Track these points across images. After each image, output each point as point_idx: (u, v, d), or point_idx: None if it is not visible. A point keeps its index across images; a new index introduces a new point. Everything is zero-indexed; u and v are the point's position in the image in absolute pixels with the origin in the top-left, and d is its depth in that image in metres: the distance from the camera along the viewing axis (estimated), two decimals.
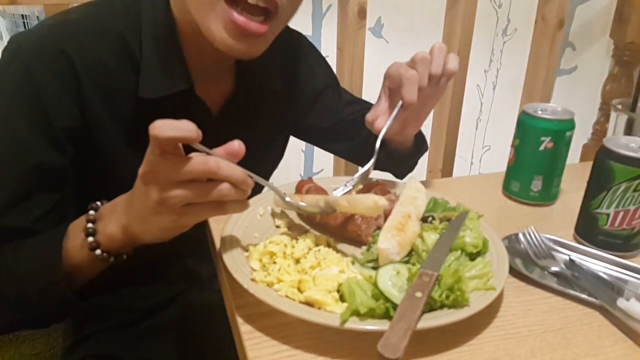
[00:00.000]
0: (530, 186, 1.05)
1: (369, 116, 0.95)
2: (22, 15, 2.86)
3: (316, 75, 1.15)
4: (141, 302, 1.06)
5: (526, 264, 0.86)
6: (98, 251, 0.71)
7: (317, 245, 0.80)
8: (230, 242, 0.81)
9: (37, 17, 2.48)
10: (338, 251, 0.81)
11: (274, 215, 0.92)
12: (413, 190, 0.92)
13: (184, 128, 0.58)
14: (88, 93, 0.79)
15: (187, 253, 1.10)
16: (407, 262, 0.77)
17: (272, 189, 0.77)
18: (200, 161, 0.61)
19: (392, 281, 0.70)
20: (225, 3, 0.76)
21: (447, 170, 2.17)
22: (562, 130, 1.00)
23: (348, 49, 1.78)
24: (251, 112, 1.01)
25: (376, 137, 0.95)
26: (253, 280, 0.72)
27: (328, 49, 2.16)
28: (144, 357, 1.02)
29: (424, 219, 0.87)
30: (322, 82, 1.16)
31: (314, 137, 1.23)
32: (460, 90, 2.03)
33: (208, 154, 0.63)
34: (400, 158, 1.11)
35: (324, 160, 2.76)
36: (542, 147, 1.01)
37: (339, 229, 0.86)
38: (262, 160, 1.11)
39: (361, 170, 0.97)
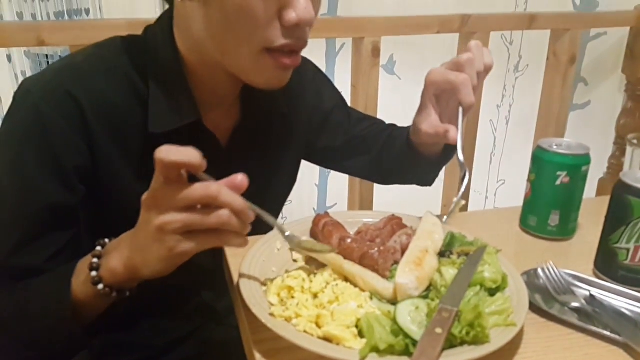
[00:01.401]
0: (548, 221, 1.04)
1: (430, 129, 0.95)
2: (46, 55, 2.95)
3: (324, 97, 1.16)
4: (158, 338, 1.06)
5: (546, 299, 0.85)
6: (100, 286, 0.72)
7: (334, 280, 0.80)
8: (248, 276, 0.81)
9: (60, 57, 2.55)
10: (356, 286, 0.80)
11: (291, 249, 0.93)
12: (430, 224, 0.92)
13: (189, 154, 0.60)
14: (96, 131, 0.81)
15: (203, 287, 1.10)
16: (425, 297, 0.76)
17: (274, 225, 0.76)
18: (201, 186, 0.62)
19: (412, 317, 0.70)
20: (274, 54, 0.81)
21: (464, 206, 2.17)
22: (577, 165, 1.00)
23: (362, 86, 1.81)
24: (260, 139, 1.02)
25: (385, 150, 0.97)
26: (271, 315, 0.72)
27: (342, 87, 2.20)
28: None
29: (441, 254, 0.87)
30: (330, 102, 1.16)
31: (328, 158, 1.22)
32: (474, 125, 2.05)
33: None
34: (428, 165, 1.12)
35: (338, 194, 2.77)
36: (558, 182, 1.01)
37: (357, 263, 0.86)
38: (274, 187, 1.11)
39: (458, 196, 0.95)
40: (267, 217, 0.73)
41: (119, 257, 0.71)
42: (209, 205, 0.65)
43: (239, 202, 0.64)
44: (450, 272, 0.78)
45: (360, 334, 0.70)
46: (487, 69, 0.89)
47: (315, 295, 0.77)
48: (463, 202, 0.93)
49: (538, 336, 0.78)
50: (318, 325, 0.72)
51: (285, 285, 0.76)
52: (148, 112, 0.83)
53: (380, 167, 1.20)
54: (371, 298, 0.77)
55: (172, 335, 1.07)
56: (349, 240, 0.88)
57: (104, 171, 0.84)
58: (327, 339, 0.69)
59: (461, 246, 0.88)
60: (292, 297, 0.75)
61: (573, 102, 2.62)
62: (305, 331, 0.70)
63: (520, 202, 1.11)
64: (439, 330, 0.66)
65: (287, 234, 0.79)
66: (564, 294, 0.86)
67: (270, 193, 1.08)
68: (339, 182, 2.38)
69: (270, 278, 0.81)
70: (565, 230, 1.05)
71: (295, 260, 0.90)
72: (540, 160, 1.03)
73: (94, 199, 0.87)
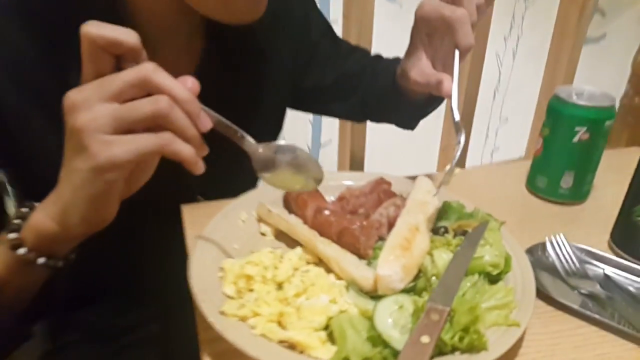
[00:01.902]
0: (560, 182, 0.90)
1: (420, 77, 0.80)
2: None
3: (312, 24, 1.01)
4: (122, 318, 0.96)
5: (555, 282, 0.73)
6: (22, 250, 0.59)
7: (306, 264, 0.67)
8: (203, 256, 0.68)
9: None
10: (331, 271, 0.67)
11: (259, 220, 0.79)
12: (423, 192, 0.78)
13: (123, 31, 0.52)
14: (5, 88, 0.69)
15: (165, 264, 0.98)
16: (412, 289, 0.64)
17: (238, 137, 0.61)
18: (132, 69, 0.52)
19: (394, 319, 0.57)
20: None
21: (464, 147, 2.02)
22: (600, 119, 0.85)
23: (355, 15, 1.61)
24: (230, 83, 0.86)
25: (369, 88, 0.86)
26: (223, 313, 0.59)
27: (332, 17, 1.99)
28: None
29: (435, 231, 0.73)
30: (317, 31, 1.02)
31: (314, 100, 1.07)
32: (480, 58, 1.86)
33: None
34: (413, 110, 0.97)
35: (332, 129, 2.60)
36: (576, 139, 0.86)
37: (335, 241, 0.73)
38: (254, 135, 0.97)
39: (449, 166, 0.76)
40: (229, 126, 0.60)
41: (43, 207, 0.60)
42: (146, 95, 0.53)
43: (181, 89, 0.53)
44: (443, 257, 0.65)
45: (331, 338, 0.58)
46: (489, 2, 0.72)
47: (280, 286, 0.64)
48: (457, 171, 0.78)
49: (544, 331, 0.66)
50: (281, 325, 0.60)
51: (244, 274, 0.63)
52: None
53: (363, 107, 1.05)
54: (347, 289, 0.64)
55: (134, 315, 0.96)
56: (326, 213, 0.75)
57: (19, 134, 0.69)
58: (289, 345, 0.57)
59: (459, 220, 0.74)
60: (251, 290, 0.62)
61: (587, 34, 2.41)
62: (264, 334, 0.58)
63: (522, 144, 0.97)
64: (425, 340, 0.54)
65: (259, 150, 0.62)
66: (575, 276, 0.73)
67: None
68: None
69: (230, 259, 0.68)
70: (579, 194, 0.92)
71: (263, 234, 0.77)
72: (556, 113, 0.88)
73: (13, 166, 0.75)
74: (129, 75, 0.51)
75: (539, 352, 0.62)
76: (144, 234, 0.84)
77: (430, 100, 0.93)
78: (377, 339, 0.55)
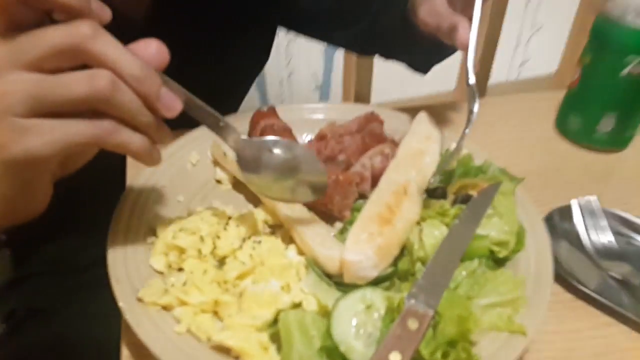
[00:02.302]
0: (598, 125, 0.72)
1: (431, 18, 0.62)
2: None
3: None
4: (84, 254, 0.86)
5: (579, 261, 0.58)
6: None
7: (257, 234, 0.53)
8: (132, 213, 0.54)
9: None
10: (291, 242, 0.53)
11: (215, 163, 0.64)
12: (421, 137, 0.61)
13: None
14: None
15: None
16: (391, 275, 0.49)
17: (201, 113, 0.46)
18: (63, 27, 0.38)
19: (358, 322, 0.43)
20: None
21: (487, 58, 1.79)
22: None
23: None
24: (197, 15, 0.70)
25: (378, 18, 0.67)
26: (140, 300, 0.46)
27: None
28: (86, 309, 0.84)
29: (430, 193, 0.57)
30: None
31: (316, 24, 0.91)
32: None
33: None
34: (424, 53, 0.79)
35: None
36: (625, 72, 0.67)
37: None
38: (231, 70, 0.80)
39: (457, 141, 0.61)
40: (206, 111, 0.45)
41: None
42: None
43: (130, 62, 0.39)
44: (435, 234, 0.50)
45: (276, 339, 0.44)
46: None
47: (222, 260, 0.50)
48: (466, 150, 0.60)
49: (559, 329, 0.52)
50: (218, 316, 0.46)
51: (175, 246, 0.49)
52: None
53: (368, 40, 0.87)
54: (307, 269, 0.50)
55: (98, 252, 0.86)
56: None
57: None
58: (222, 348, 0.44)
59: (462, 178, 0.58)
60: (180, 269, 0.48)
61: None
62: (190, 331, 0.45)
63: (556, 58, 0.78)
64: (395, 358, 0.40)
65: (246, 145, 0.48)
66: (607, 254, 0.58)
67: (223, 78, 0.77)
68: None
69: (166, 221, 0.53)
70: (619, 140, 0.74)
71: (218, 181, 0.62)
72: (603, 36, 0.68)
73: None
74: (58, 36, 0.37)
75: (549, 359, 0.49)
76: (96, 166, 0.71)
77: (443, 47, 0.73)
78: (332, 352, 0.42)
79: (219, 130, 0.46)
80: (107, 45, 0.38)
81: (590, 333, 0.52)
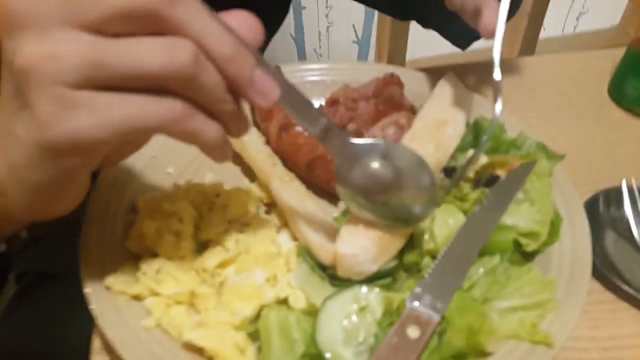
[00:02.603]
0: None
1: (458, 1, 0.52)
2: None
3: None
4: None
5: (627, 254, 0.49)
6: None
7: (247, 213, 0.47)
8: (114, 185, 0.49)
9: None
10: (286, 225, 0.47)
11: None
12: (445, 104, 0.53)
13: None
14: None
15: None
16: (392, 272, 0.42)
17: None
18: None
19: (349, 326, 0.37)
20: None
21: (540, 7, 1.62)
22: None
23: None
24: None
25: None
26: (108, 288, 0.41)
27: None
28: None
29: (448, 171, 0.49)
30: None
31: None
32: None
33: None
34: (457, 28, 0.69)
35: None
36: None
37: (304, 173, 0.51)
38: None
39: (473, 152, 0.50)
40: (303, 100, 0.37)
41: None
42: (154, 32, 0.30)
43: (223, 37, 0.31)
44: (449, 224, 0.42)
45: (256, 339, 0.39)
46: None
47: (205, 246, 0.44)
48: (485, 160, 0.50)
49: (595, 335, 0.44)
50: (195, 309, 0.41)
51: (151, 226, 0.44)
52: None
53: (403, 3, 0.77)
54: (300, 257, 0.44)
55: None
56: (296, 130, 0.52)
57: None
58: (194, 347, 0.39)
59: (490, 154, 0.49)
60: (155, 255, 0.43)
61: None
62: (160, 326, 0.40)
63: (618, 10, 0.68)
64: None
65: (322, 121, 0.38)
66: None
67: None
68: None
69: (147, 196, 0.48)
70: None
71: None
72: None
73: None
74: None
75: None
76: None
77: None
78: (317, 359, 0.36)
79: (319, 130, 0.37)
80: (192, 12, 0.30)
81: (633, 341, 0.44)
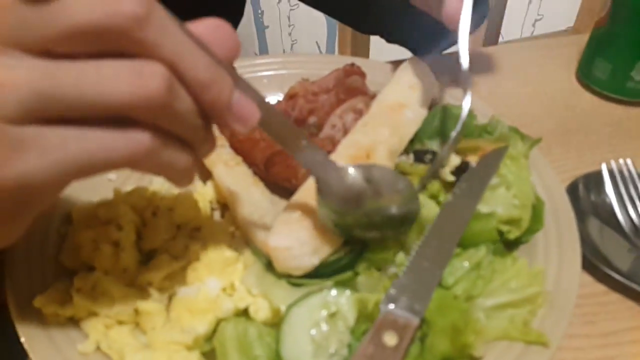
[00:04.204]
0: (632, 71, 0.59)
1: None
2: None
3: None
4: None
5: (613, 241, 0.46)
6: None
7: (197, 217, 0.41)
8: None
9: None
10: (238, 229, 0.42)
11: None
12: (403, 87, 0.49)
13: None
14: None
15: None
16: (348, 265, 0.37)
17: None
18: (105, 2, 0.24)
19: (317, 337, 0.32)
20: None
21: (497, 13, 1.63)
22: None
23: None
24: None
25: None
26: (38, 310, 0.35)
27: None
28: None
29: (417, 155, 0.45)
30: None
31: None
32: None
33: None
34: (430, 29, 0.66)
35: None
36: None
37: (262, 172, 0.47)
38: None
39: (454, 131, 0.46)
40: (288, 126, 0.33)
41: None
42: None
43: (193, 51, 0.27)
44: (422, 214, 0.38)
45: (211, 358, 0.33)
46: None
47: (151, 256, 0.39)
48: (455, 160, 0.47)
49: (590, 332, 0.40)
50: (141, 329, 0.36)
51: (87, 237, 0.38)
52: None
53: (365, 14, 0.74)
54: (259, 260, 0.38)
55: None
56: None
57: None
58: None
59: (465, 137, 0.45)
60: (91, 269, 0.37)
61: None
62: (98, 349, 0.34)
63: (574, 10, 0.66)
64: None
65: (302, 142, 0.34)
66: None
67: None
68: None
69: (83, 204, 0.42)
70: None
71: None
72: None
73: None
74: (89, 10, 0.24)
75: None
76: None
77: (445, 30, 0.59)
78: None
79: (298, 151, 0.33)
80: (164, 29, 0.25)
81: (631, 336, 0.40)
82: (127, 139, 0.26)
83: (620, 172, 0.50)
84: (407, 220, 0.37)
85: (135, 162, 0.27)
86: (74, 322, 0.35)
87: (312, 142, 0.34)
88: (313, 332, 0.32)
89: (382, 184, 0.36)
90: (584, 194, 0.49)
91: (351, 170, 0.36)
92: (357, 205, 0.36)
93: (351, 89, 0.50)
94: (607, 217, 0.47)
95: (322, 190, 0.35)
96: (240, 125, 0.29)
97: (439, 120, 0.48)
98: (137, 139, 0.26)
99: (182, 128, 0.28)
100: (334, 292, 0.34)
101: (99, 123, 0.25)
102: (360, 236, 0.37)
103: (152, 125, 0.26)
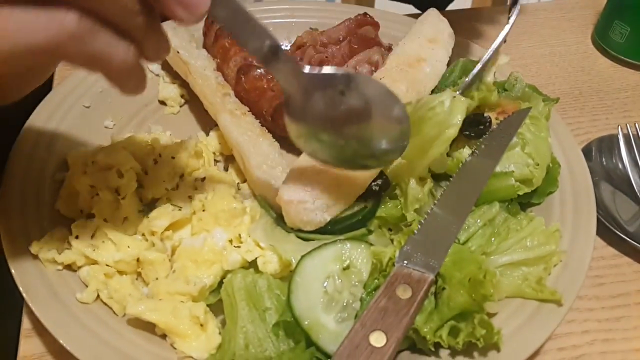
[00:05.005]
0: None
1: None
2: None
3: None
4: None
5: (626, 205, 0.45)
6: None
7: (201, 167, 0.40)
8: (39, 140, 0.42)
9: None
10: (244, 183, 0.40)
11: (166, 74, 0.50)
12: (423, 40, 0.47)
13: None
14: None
15: None
16: (362, 220, 0.36)
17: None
18: None
19: (329, 290, 0.31)
20: None
21: None
22: None
23: None
24: None
25: None
26: (36, 256, 0.34)
27: None
28: None
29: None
30: None
31: None
32: None
33: None
34: None
35: None
36: None
37: (269, 123, 0.45)
38: None
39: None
40: (248, 18, 0.29)
41: None
42: None
43: None
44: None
45: (218, 310, 0.32)
46: None
47: (152, 206, 0.37)
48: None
49: (600, 294, 0.40)
50: (144, 280, 0.34)
51: (85, 184, 0.36)
52: None
53: None
54: (265, 211, 0.37)
55: None
56: (256, 73, 0.45)
57: None
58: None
59: (482, 98, 0.44)
60: (90, 216, 0.36)
61: None
62: (98, 297, 0.33)
63: None
64: (378, 340, 0.28)
65: (267, 44, 0.31)
66: None
67: None
68: None
69: (79, 152, 0.40)
70: None
71: (162, 102, 0.49)
72: None
73: None
74: None
75: (592, 344, 0.37)
76: None
77: None
78: (292, 330, 0.30)
79: (265, 55, 0.30)
80: None
81: (638, 298, 0.39)
82: (49, 18, 0.24)
83: (636, 136, 0.49)
84: (391, 151, 0.34)
85: (61, 47, 0.24)
86: (72, 270, 0.34)
87: (281, 47, 0.30)
88: (326, 284, 0.31)
89: (373, 104, 0.32)
90: (598, 157, 0.48)
91: (326, 79, 0.32)
92: (333, 121, 0.33)
93: (366, 39, 0.48)
94: (619, 180, 0.46)
95: (290, 105, 0.33)
96: (185, 12, 0.26)
97: (457, 75, 0.46)
98: (59, 19, 0.24)
99: (114, 11, 0.25)
100: (348, 245, 0.32)
101: (27, 3, 0.23)
102: (337, 163, 0.34)
103: (79, 7, 0.24)
